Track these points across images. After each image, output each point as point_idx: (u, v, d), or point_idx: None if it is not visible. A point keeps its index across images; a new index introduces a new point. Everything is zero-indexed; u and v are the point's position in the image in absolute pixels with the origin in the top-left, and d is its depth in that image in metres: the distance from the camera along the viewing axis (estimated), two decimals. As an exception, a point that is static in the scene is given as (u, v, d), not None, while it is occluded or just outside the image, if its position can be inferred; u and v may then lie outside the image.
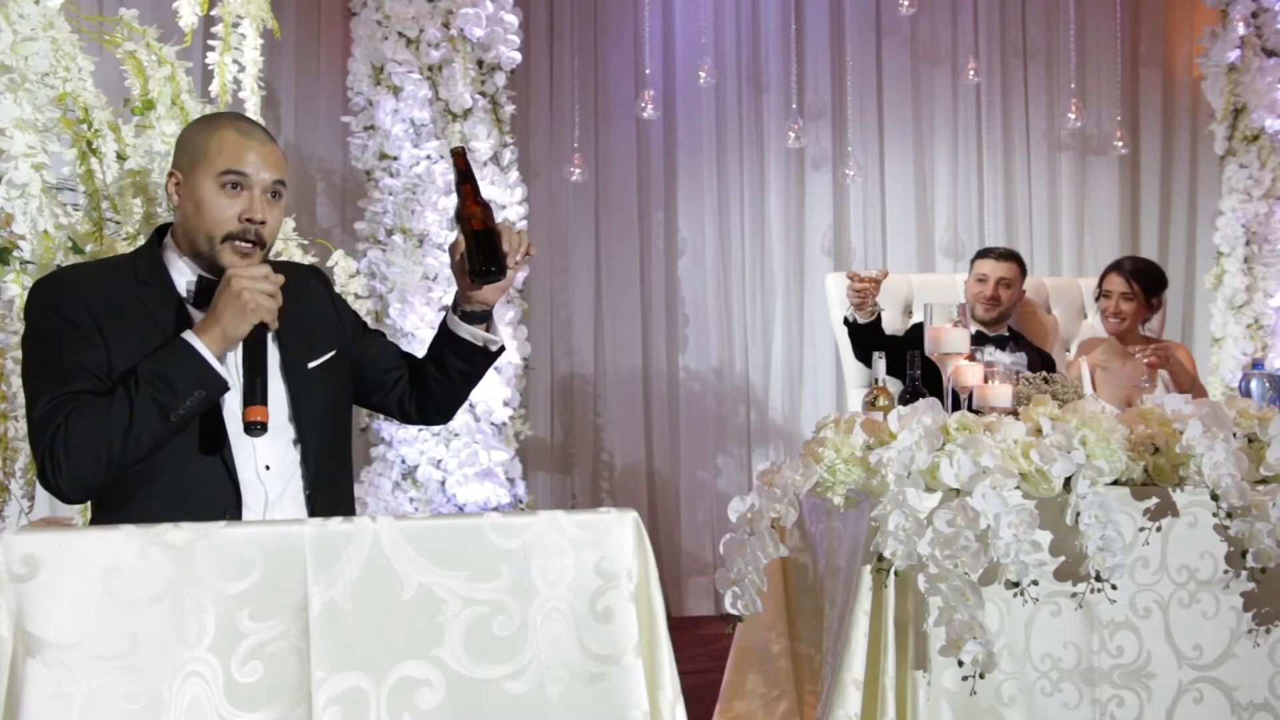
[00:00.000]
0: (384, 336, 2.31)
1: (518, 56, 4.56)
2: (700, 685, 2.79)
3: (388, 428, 4.38)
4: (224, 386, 1.90)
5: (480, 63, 4.49)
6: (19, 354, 2.37)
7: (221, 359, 1.89)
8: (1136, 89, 5.77)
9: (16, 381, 2.40)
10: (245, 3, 2.96)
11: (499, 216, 4.48)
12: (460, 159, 2.07)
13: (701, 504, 5.41)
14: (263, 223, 1.98)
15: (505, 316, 4.48)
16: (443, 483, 4.36)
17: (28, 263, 2.37)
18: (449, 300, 4.37)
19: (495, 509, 4.28)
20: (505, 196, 4.50)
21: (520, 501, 4.48)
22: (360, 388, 2.23)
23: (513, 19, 4.52)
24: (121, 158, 2.58)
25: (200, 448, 1.95)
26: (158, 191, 2.66)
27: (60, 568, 1.42)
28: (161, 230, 2.07)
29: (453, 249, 2.06)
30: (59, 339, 1.91)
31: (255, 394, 1.88)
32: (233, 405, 1.95)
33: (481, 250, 2.01)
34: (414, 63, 4.40)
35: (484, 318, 2.15)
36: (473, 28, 4.40)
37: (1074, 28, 5.56)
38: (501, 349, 2.20)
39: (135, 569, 1.44)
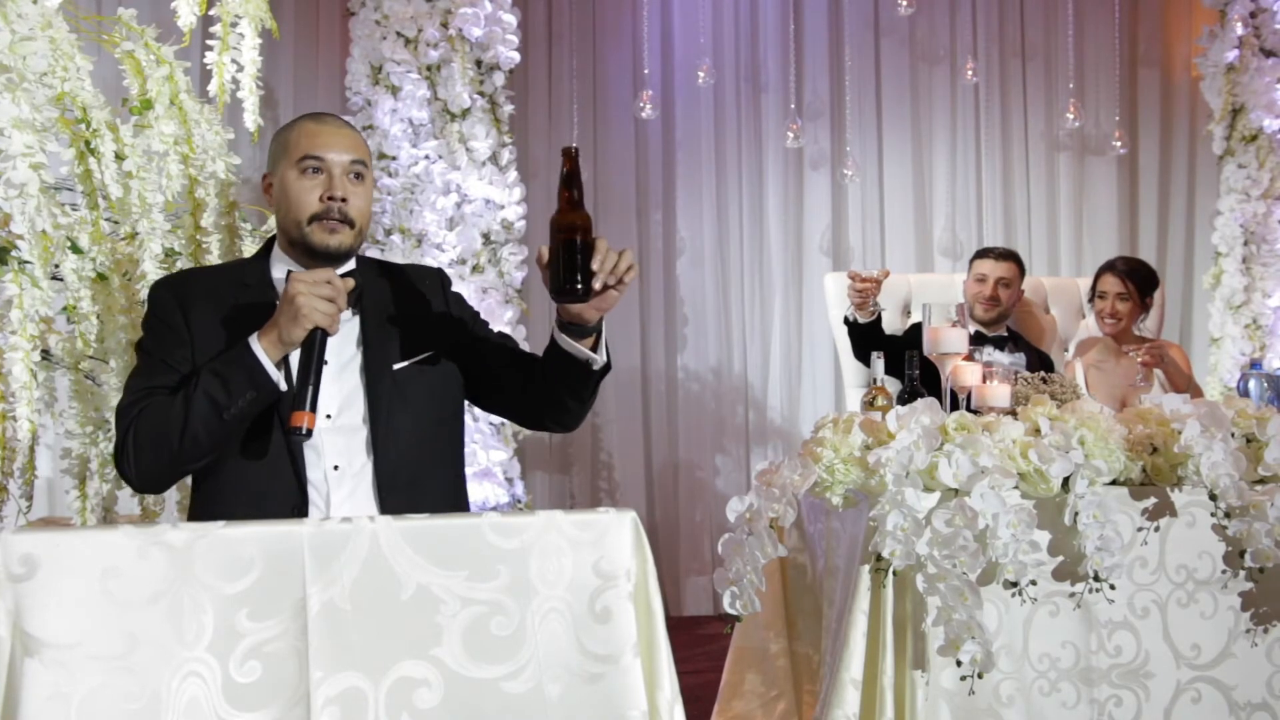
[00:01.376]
0: (506, 339, 2.25)
1: (516, 56, 4.56)
2: (699, 685, 2.79)
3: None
4: (275, 389, 1.94)
5: (479, 62, 4.49)
6: (15, 354, 2.37)
7: (282, 362, 1.94)
8: (1135, 89, 5.78)
9: (15, 381, 2.40)
10: (243, 2, 2.96)
11: (497, 217, 4.51)
12: (569, 160, 1.90)
13: (700, 504, 5.41)
14: (344, 200, 2.02)
15: (504, 317, 4.48)
16: (441, 482, 4.36)
17: (26, 262, 2.37)
18: (447, 300, 4.40)
19: (494, 509, 4.27)
20: (503, 196, 4.50)
21: (519, 501, 4.48)
22: (473, 389, 2.20)
23: (511, 19, 4.52)
24: (120, 157, 2.58)
25: (270, 444, 1.99)
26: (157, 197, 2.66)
27: (58, 567, 1.42)
28: (273, 238, 2.15)
29: (539, 257, 1.92)
30: (155, 338, 2.04)
31: (302, 400, 1.89)
32: None
33: (565, 265, 1.84)
34: (412, 62, 4.40)
35: (587, 331, 1.98)
36: (471, 27, 4.40)
37: (1072, 28, 5.56)
38: (606, 368, 2.03)
39: (133, 569, 1.44)
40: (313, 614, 1.47)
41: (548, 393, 2.08)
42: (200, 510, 2.05)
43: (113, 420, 2.53)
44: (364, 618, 1.49)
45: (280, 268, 2.08)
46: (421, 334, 2.13)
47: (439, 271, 2.31)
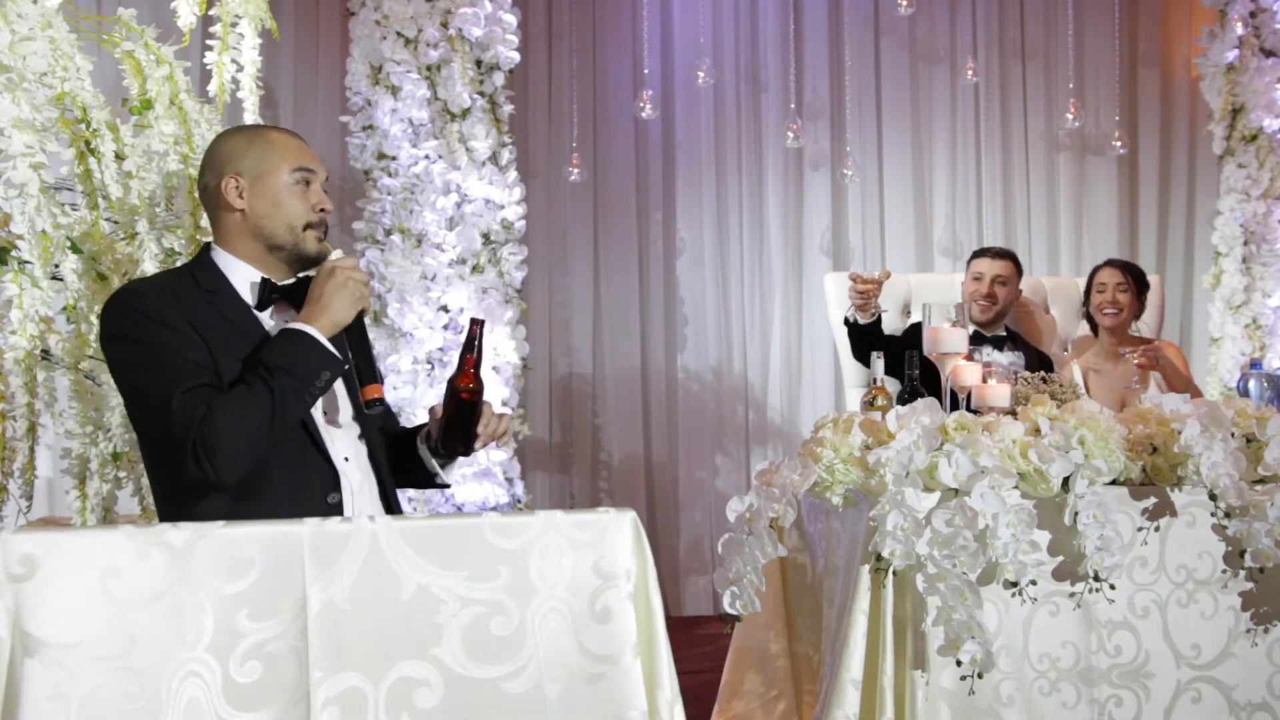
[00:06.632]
0: None
1: (516, 56, 4.56)
2: (698, 685, 2.79)
3: (386, 427, 4.37)
4: (343, 367, 2.04)
5: (479, 62, 4.49)
6: (16, 354, 2.37)
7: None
8: (1135, 89, 5.78)
9: (16, 381, 2.40)
10: (244, 2, 2.96)
11: (497, 217, 4.51)
12: (474, 328, 2.13)
13: (700, 504, 5.41)
14: (330, 210, 2.16)
15: (504, 317, 4.48)
16: (441, 483, 4.36)
17: (26, 262, 2.37)
18: (448, 300, 4.40)
19: (494, 509, 4.27)
20: (504, 196, 4.50)
21: (519, 501, 4.48)
22: None
23: (511, 19, 4.52)
24: (120, 158, 2.58)
25: (299, 440, 2.05)
26: (155, 191, 2.66)
27: (58, 568, 1.42)
28: (207, 246, 2.17)
29: (434, 410, 2.17)
30: (161, 342, 2.00)
31: (371, 373, 2.05)
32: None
33: (461, 424, 2.11)
34: (412, 62, 4.40)
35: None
36: (471, 27, 4.40)
37: (1072, 28, 5.56)
38: (446, 485, 2.33)
39: (133, 569, 1.44)
40: (313, 614, 1.47)
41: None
42: (238, 507, 2.01)
43: (113, 421, 2.54)
44: (364, 618, 1.49)
45: (238, 275, 2.10)
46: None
47: None
